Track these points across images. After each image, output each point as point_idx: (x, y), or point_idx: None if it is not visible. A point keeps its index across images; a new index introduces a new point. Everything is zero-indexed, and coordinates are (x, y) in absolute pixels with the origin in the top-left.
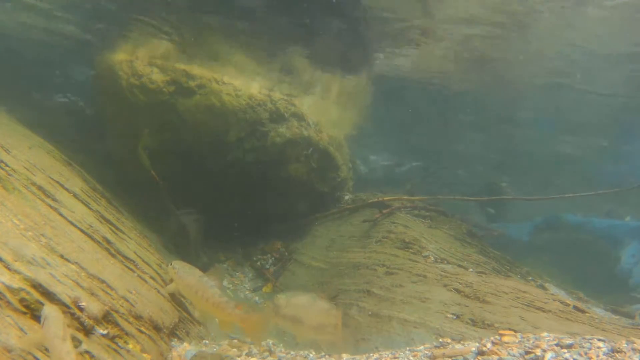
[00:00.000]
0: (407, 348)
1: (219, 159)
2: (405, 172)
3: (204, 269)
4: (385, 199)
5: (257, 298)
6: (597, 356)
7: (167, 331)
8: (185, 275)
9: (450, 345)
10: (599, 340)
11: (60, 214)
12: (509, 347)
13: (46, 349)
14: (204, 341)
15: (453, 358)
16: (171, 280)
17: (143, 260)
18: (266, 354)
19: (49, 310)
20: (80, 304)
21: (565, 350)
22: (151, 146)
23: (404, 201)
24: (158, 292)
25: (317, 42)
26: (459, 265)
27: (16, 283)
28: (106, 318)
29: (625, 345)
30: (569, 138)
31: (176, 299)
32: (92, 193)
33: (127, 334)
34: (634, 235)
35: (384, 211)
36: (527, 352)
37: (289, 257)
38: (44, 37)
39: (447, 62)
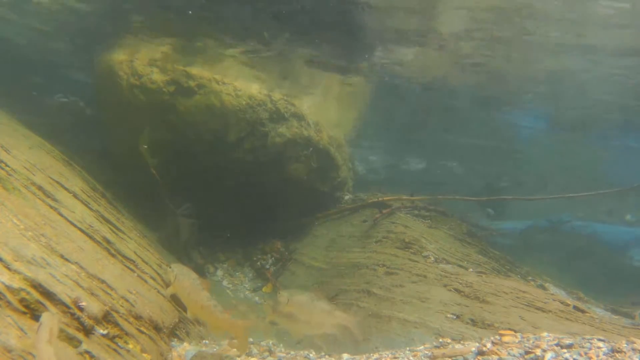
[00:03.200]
0: (407, 348)
1: (219, 159)
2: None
3: (197, 270)
4: (385, 199)
5: (257, 298)
6: (597, 356)
7: (167, 331)
8: (182, 278)
9: (450, 345)
10: (599, 340)
11: (60, 214)
12: (509, 347)
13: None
14: (204, 341)
15: (453, 358)
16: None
17: (143, 260)
18: (266, 354)
19: (44, 316)
20: (80, 304)
21: (565, 350)
22: (151, 145)
23: (404, 201)
24: (158, 292)
25: (317, 42)
26: (459, 265)
27: (16, 283)
28: (106, 318)
29: (625, 345)
30: None
31: (176, 299)
32: (92, 193)
33: (127, 334)
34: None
35: (384, 211)
36: (527, 352)
37: (289, 257)
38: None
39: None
